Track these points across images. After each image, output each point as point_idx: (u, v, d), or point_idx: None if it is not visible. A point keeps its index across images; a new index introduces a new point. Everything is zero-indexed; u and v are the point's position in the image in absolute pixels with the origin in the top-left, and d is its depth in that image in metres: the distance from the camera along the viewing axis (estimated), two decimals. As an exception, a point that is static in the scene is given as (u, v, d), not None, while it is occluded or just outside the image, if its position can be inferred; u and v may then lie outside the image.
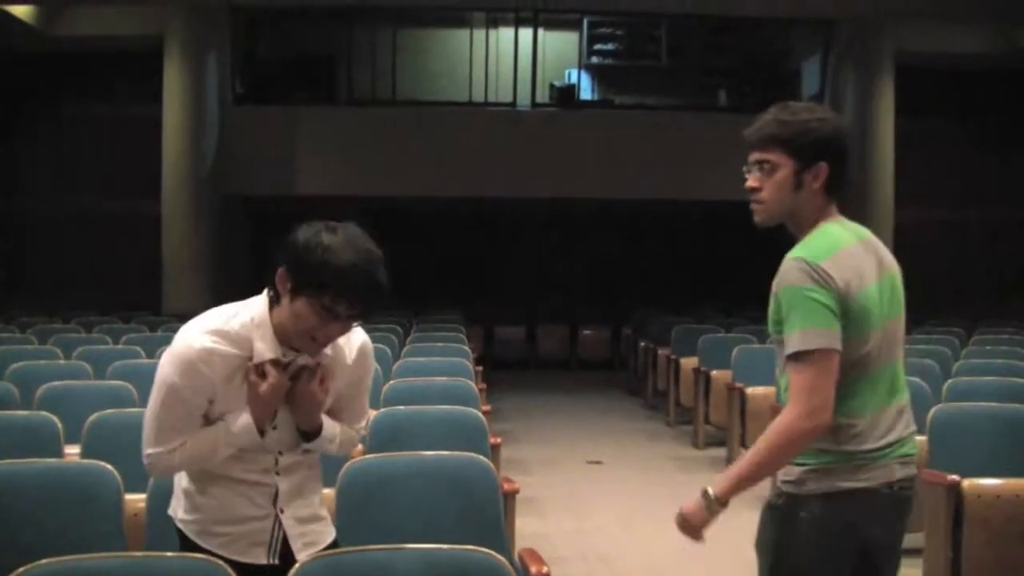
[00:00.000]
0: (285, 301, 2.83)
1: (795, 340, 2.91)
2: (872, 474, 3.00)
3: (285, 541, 3.03)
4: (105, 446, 4.71)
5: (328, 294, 2.75)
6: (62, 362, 8.08)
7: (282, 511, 3.03)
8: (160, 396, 2.90)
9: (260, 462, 2.99)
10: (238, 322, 2.90)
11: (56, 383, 6.40)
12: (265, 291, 2.93)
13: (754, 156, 3.09)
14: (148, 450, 2.94)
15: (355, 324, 2.92)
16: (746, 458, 3.06)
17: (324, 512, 3.19)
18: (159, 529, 3.68)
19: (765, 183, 3.07)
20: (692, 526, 3.16)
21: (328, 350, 2.98)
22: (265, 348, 2.88)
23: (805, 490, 3.04)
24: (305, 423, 3.01)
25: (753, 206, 3.14)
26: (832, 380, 2.90)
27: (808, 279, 2.92)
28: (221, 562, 2.80)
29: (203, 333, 2.89)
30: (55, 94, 16.53)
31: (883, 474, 3.01)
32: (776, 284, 3.01)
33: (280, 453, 3.01)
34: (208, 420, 2.95)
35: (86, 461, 4.37)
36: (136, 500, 3.98)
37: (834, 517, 3.01)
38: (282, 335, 2.89)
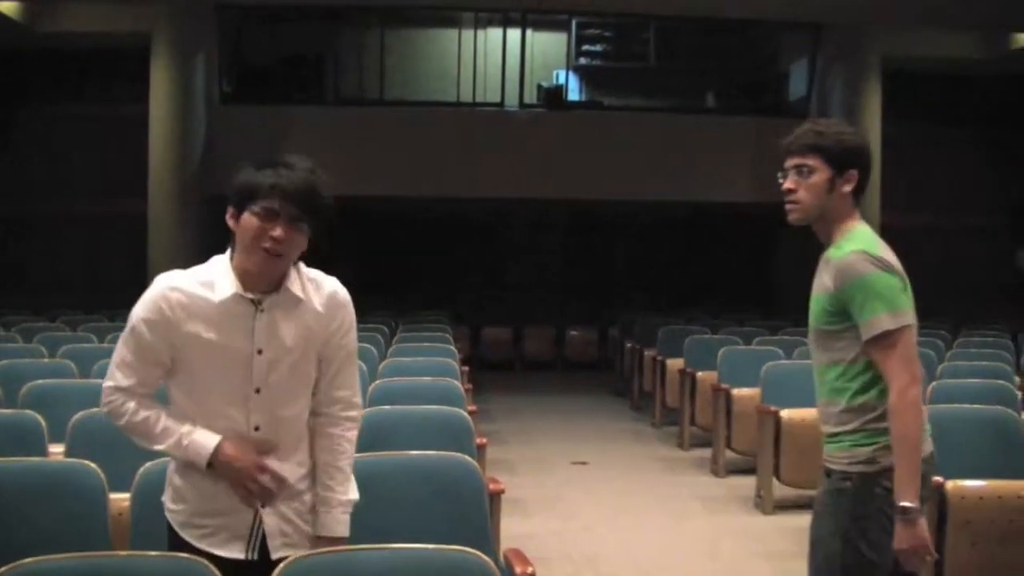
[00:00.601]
0: (236, 232, 2.97)
1: (882, 321, 3.25)
2: (924, 445, 3.34)
3: (264, 539, 3.02)
4: (89, 445, 4.70)
5: (260, 196, 2.90)
6: (46, 360, 8.06)
7: (263, 506, 3.02)
8: (125, 331, 3.03)
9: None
10: (204, 268, 3.03)
11: (40, 382, 6.37)
12: (228, 250, 3.04)
13: (793, 161, 3.42)
14: (108, 382, 3.05)
15: (301, 229, 2.94)
16: (899, 456, 3.25)
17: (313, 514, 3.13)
18: (143, 528, 3.68)
19: (801, 185, 3.41)
20: (918, 548, 3.26)
21: (299, 293, 3.02)
22: (226, 285, 2.96)
23: (879, 466, 3.29)
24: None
25: (789, 206, 3.44)
26: (916, 352, 3.31)
27: (876, 268, 3.29)
28: (205, 560, 2.79)
29: (168, 276, 3.02)
30: (41, 91, 16.48)
31: (928, 444, 3.39)
32: (839, 277, 3.31)
33: (256, 428, 3.01)
34: (169, 375, 3.02)
35: (70, 460, 4.35)
36: (120, 499, 3.97)
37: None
38: (243, 277, 2.97)
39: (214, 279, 2.98)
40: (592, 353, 17.01)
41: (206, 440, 2.95)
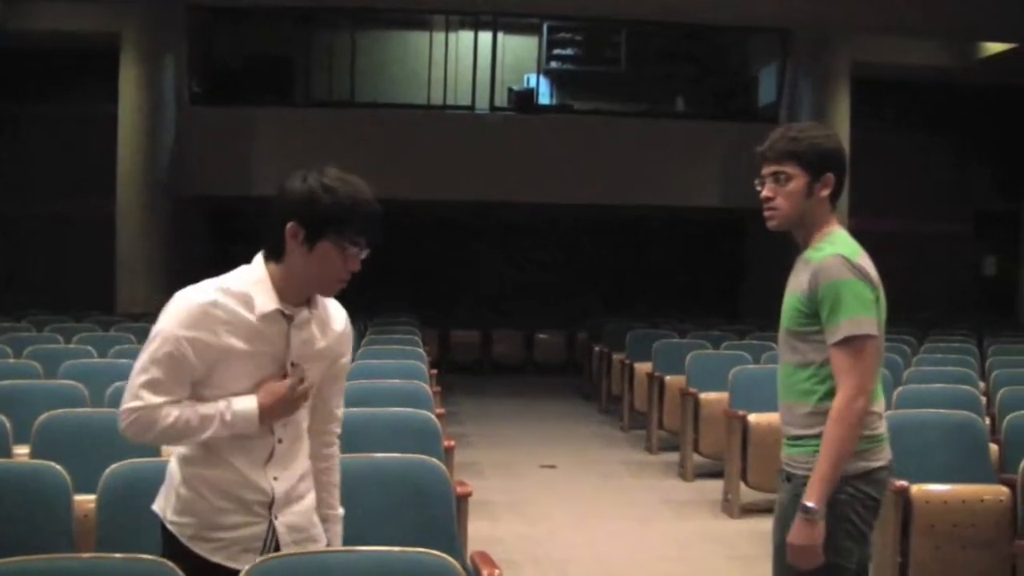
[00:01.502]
0: (300, 253, 2.87)
1: (845, 327, 3.26)
2: (883, 453, 3.42)
3: (277, 548, 3.00)
4: (55, 446, 4.68)
5: (349, 229, 2.86)
6: (12, 361, 8.00)
7: (276, 517, 3.00)
8: (155, 348, 2.86)
9: (257, 462, 2.97)
10: (233, 279, 2.92)
11: (5, 382, 6.33)
12: (259, 256, 2.96)
13: (770, 169, 3.43)
14: (133, 403, 2.86)
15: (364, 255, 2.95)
16: (823, 459, 3.27)
17: (316, 519, 3.15)
18: (109, 530, 3.66)
19: (779, 192, 3.43)
20: (808, 548, 3.28)
21: (321, 310, 3.04)
22: (266, 300, 2.90)
23: (842, 473, 3.29)
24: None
25: (767, 213, 3.46)
26: (874, 364, 3.32)
27: (850, 273, 3.29)
28: (170, 563, 2.77)
29: (204, 289, 2.90)
30: (8, 90, 16.33)
31: (888, 453, 3.45)
32: (815, 279, 3.32)
33: (279, 441, 3.00)
34: (195, 387, 2.91)
35: (35, 461, 4.33)
36: (86, 501, 3.95)
37: (867, 494, 3.35)
38: (281, 290, 2.92)
39: (250, 293, 2.89)
40: (561, 357, 17.01)
41: (246, 404, 2.90)
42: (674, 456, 9.60)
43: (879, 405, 3.42)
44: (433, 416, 5.41)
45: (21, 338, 9.62)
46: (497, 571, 3.71)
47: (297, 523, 3.06)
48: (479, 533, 6.12)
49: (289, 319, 2.95)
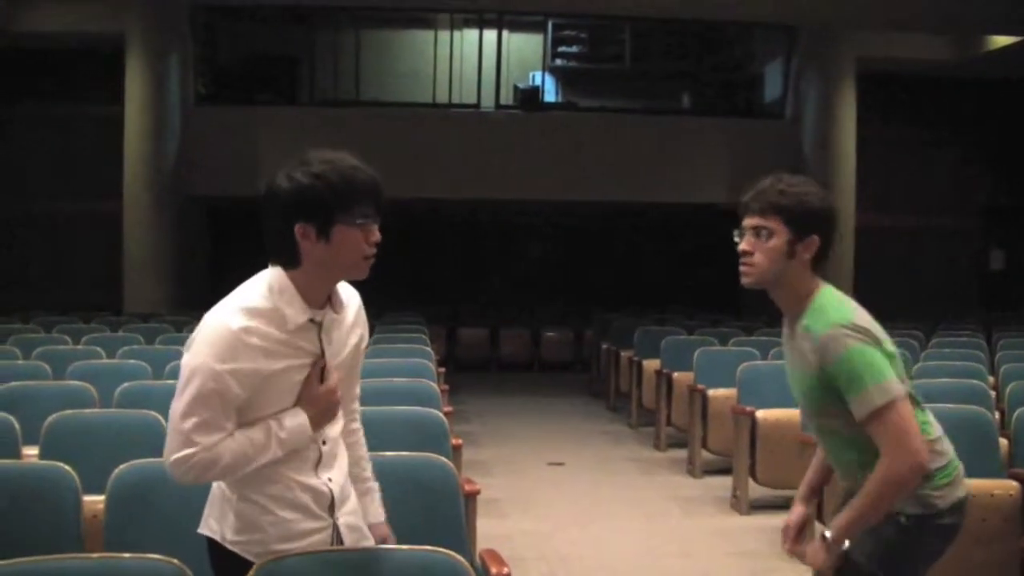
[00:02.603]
0: (319, 249, 2.76)
1: (872, 396, 3.05)
2: (963, 481, 3.32)
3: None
4: (64, 447, 4.68)
5: (355, 205, 2.76)
6: (20, 362, 8.00)
7: (338, 519, 2.98)
8: (196, 387, 2.72)
9: (307, 468, 2.92)
10: (259, 296, 2.81)
11: (14, 383, 6.33)
12: (271, 265, 2.85)
13: (752, 221, 3.21)
14: (187, 450, 2.73)
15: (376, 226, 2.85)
16: (859, 504, 3.14)
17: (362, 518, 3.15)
18: (117, 530, 3.66)
19: (758, 247, 3.19)
20: (816, 565, 3.26)
21: (340, 307, 2.97)
22: (295, 312, 2.80)
23: (936, 508, 3.22)
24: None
25: (743, 268, 3.23)
26: (914, 419, 3.12)
27: (855, 341, 3.08)
28: (177, 561, 2.77)
29: (233, 313, 2.77)
30: (14, 92, 16.37)
31: (960, 489, 3.32)
32: (822, 355, 3.13)
33: (323, 443, 2.95)
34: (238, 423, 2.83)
35: (44, 462, 4.33)
36: (94, 501, 3.95)
37: (952, 525, 3.29)
38: (306, 294, 2.83)
39: (278, 307, 2.79)
40: (568, 354, 17.02)
41: (296, 419, 2.83)
42: (682, 453, 9.59)
43: (936, 429, 3.31)
44: (441, 414, 5.40)
45: (29, 339, 9.64)
46: (506, 569, 3.70)
47: (354, 523, 3.04)
48: (487, 531, 6.12)
49: (319, 325, 2.87)
